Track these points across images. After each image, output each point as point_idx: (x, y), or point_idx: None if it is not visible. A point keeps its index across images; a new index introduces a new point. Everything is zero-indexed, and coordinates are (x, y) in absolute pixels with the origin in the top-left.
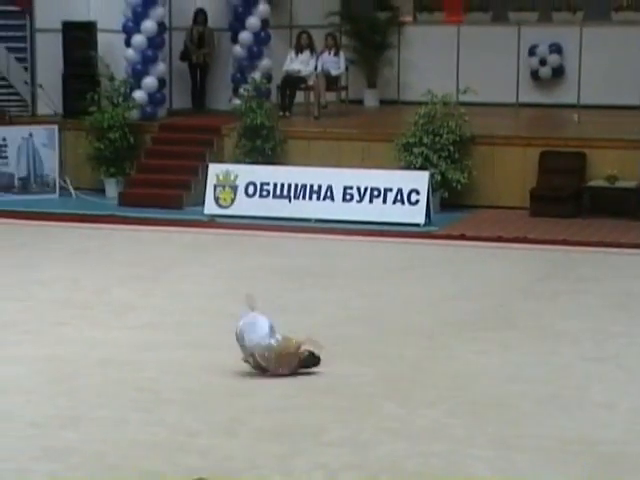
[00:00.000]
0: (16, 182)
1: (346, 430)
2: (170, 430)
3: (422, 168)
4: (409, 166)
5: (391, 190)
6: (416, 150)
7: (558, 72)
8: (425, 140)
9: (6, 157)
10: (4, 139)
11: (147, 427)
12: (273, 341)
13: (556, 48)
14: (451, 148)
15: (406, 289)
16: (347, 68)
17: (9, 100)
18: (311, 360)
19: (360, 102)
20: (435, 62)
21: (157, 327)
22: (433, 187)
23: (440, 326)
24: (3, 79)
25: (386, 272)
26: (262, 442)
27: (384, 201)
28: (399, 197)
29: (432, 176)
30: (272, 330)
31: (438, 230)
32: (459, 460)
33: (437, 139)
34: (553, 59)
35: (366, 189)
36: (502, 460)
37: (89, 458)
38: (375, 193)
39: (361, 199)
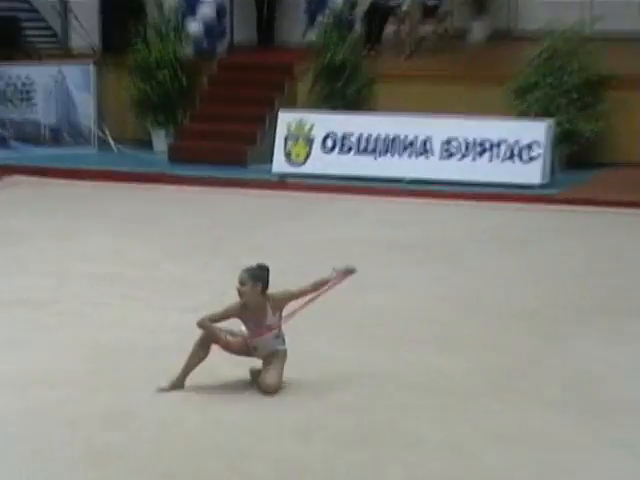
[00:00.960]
0: (46, 132)
1: (444, 433)
2: (232, 432)
3: (541, 117)
4: (524, 115)
5: (502, 144)
6: (535, 94)
7: None
8: (545, 82)
9: (33, 102)
10: (28, 78)
11: (206, 428)
12: None
13: None
14: (578, 92)
15: (517, 265)
16: None
17: (38, 35)
18: None
19: (464, 35)
20: None
21: (216, 308)
22: (555, 140)
23: (557, 310)
24: (31, 10)
25: (494, 244)
26: (343, 448)
27: (493, 157)
28: (512, 152)
29: (554, 126)
30: None
31: (560, 193)
32: (579, 470)
33: (560, 81)
34: None
35: (471, 142)
36: (631, 469)
37: (138, 463)
38: (482, 148)
39: (465, 155)
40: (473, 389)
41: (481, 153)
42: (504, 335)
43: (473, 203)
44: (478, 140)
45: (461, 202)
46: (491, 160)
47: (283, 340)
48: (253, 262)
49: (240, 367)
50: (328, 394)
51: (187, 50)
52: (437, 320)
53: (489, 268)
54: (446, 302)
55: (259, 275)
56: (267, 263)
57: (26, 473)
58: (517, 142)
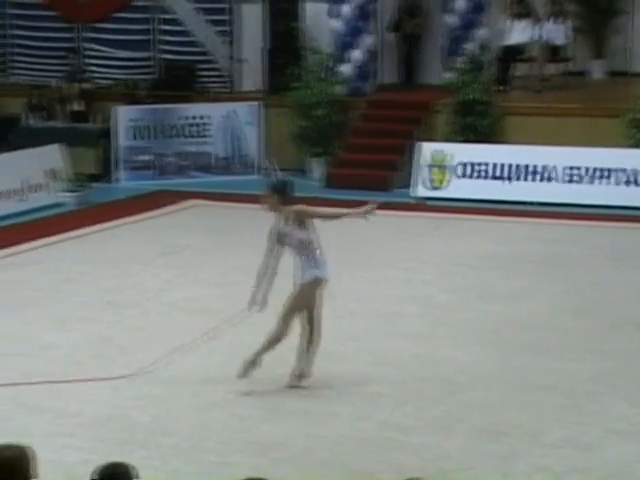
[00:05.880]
0: (216, 162)
1: (569, 430)
2: (380, 426)
3: None
4: (639, 144)
5: (620, 170)
6: None
7: None
8: None
9: (208, 136)
10: (204, 116)
11: (355, 422)
12: None
13: None
14: None
15: (634, 278)
16: (572, 37)
17: (210, 76)
18: None
19: (585, 74)
20: None
21: (362, 315)
22: None
23: None
24: (204, 54)
25: (613, 260)
26: (479, 441)
27: (612, 182)
28: (629, 178)
29: None
30: None
31: None
32: None
33: None
34: None
35: (592, 169)
36: None
37: (294, 453)
38: (602, 174)
39: (585, 180)
40: (592, 389)
41: (601, 179)
42: (620, 342)
43: (594, 223)
44: (598, 167)
45: (583, 222)
46: (611, 185)
47: (314, 265)
48: (393, 274)
49: (385, 367)
50: (462, 392)
51: (340, 90)
52: (557, 328)
53: (608, 281)
54: (570, 312)
55: (277, 187)
56: (405, 272)
57: (199, 457)
58: (633, 169)
